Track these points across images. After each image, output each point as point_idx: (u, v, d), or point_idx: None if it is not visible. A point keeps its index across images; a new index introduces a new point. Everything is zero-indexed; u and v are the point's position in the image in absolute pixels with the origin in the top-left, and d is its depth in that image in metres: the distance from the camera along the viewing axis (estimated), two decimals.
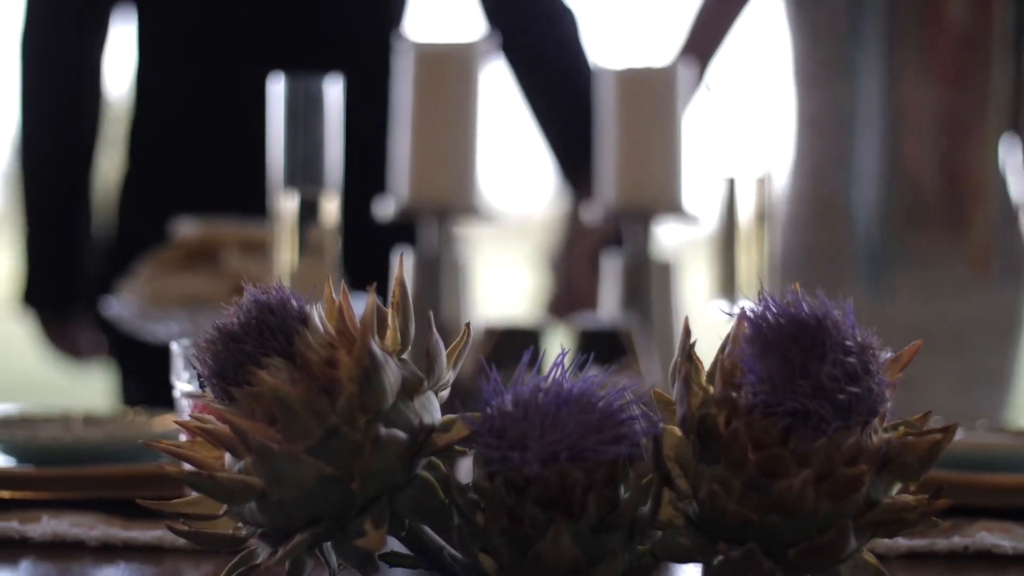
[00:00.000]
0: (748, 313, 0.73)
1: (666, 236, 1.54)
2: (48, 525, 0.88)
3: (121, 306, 1.49)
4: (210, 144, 2.04)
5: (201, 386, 0.76)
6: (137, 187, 2.08)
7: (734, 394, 0.72)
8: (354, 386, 0.71)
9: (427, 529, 0.75)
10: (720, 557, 0.72)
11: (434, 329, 0.75)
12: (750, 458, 0.71)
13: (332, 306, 0.76)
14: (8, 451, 1.08)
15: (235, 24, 2.07)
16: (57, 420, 1.17)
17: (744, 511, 0.71)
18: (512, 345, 1.34)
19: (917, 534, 0.89)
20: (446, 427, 0.74)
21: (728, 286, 1.26)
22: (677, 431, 0.75)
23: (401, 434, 0.71)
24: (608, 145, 1.54)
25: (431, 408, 0.74)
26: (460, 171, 1.49)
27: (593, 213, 1.56)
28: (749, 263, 1.26)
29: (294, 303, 0.74)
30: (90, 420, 1.17)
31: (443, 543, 0.75)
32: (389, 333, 0.76)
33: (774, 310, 0.72)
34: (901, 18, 2.02)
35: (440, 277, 1.48)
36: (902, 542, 0.88)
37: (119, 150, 2.14)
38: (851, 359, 0.72)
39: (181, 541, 0.88)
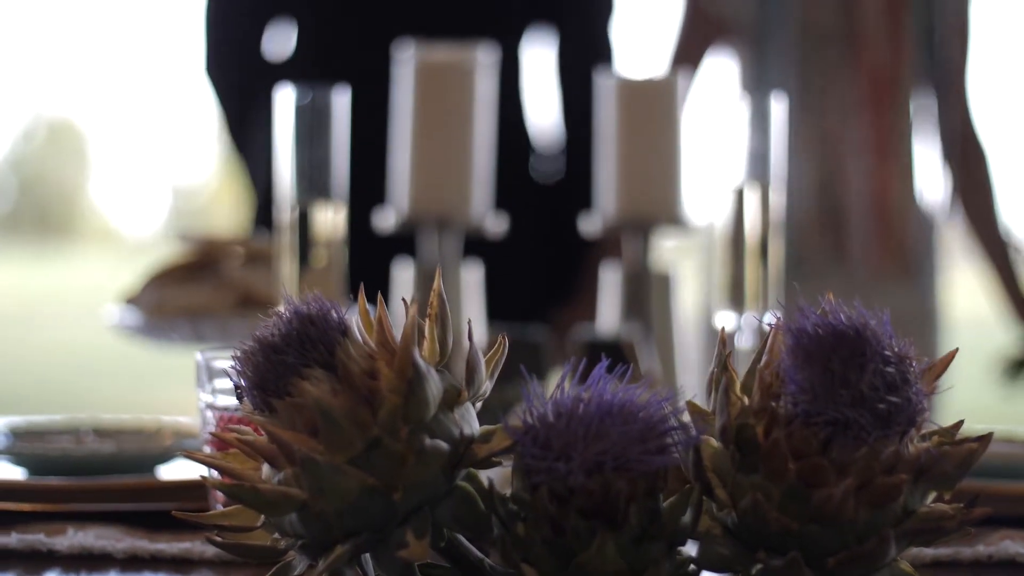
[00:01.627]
0: (788, 324, 0.73)
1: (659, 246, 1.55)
2: (75, 538, 0.88)
3: (125, 317, 1.49)
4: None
5: (239, 397, 0.76)
6: None
7: (774, 404, 0.73)
8: (396, 397, 0.71)
9: (464, 540, 0.75)
10: (759, 566, 0.73)
11: (472, 340, 0.75)
12: (790, 468, 0.72)
13: (366, 317, 0.76)
14: (21, 463, 1.07)
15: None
16: (67, 431, 1.16)
17: (786, 520, 0.71)
18: (517, 356, 1.34)
19: (942, 542, 0.89)
20: (486, 437, 0.74)
21: (736, 297, 1.26)
22: (713, 442, 0.75)
23: (444, 445, 0.71)
24: (608, 155, 1.55)
25: (470, 419, 0.75)
26: (460, 181, 1.49)
27: (592, 224, 1.56)
28: (755, 274, 1.27)
29: (334, 314, 0.74)
30: (100, 431, 1.17)
31: (480, 554, 0.75)
32: (427, 344, 0.76)
33: (813, 320, 0.73)
34: (830, 60, 2.28)
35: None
36: (927, 551, 0.89)
37: None
38: (890, 369, 0.72)
39: (209, 553, 0.87)
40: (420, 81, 1.49)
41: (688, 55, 2.27)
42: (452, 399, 0.74)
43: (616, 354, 1.38)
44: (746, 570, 0.73)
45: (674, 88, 1.53)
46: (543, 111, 2.37)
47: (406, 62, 1.50)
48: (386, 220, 1.51)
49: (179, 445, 1.09)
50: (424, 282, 1.48)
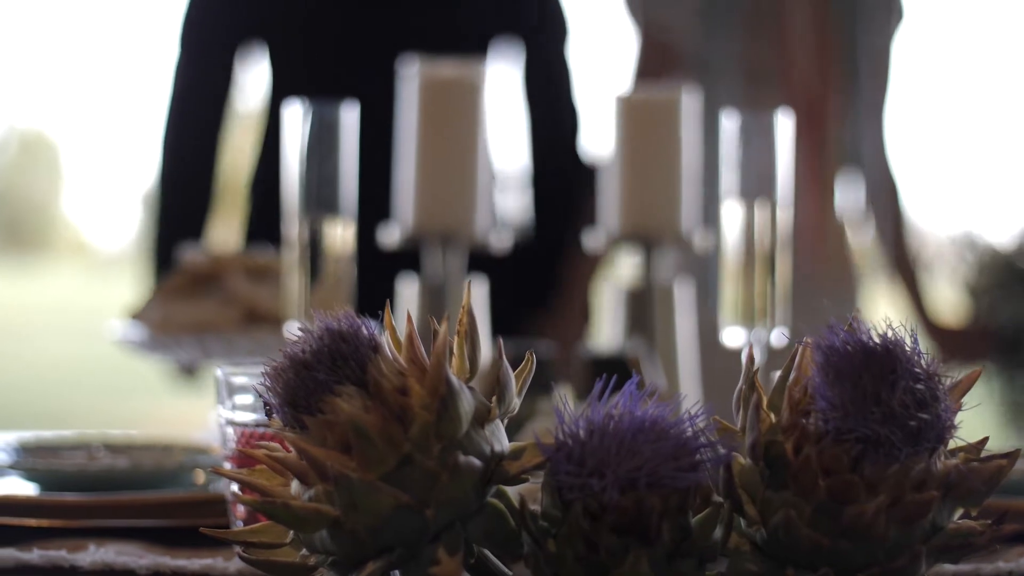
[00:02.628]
0: (818, 341, 0.73)
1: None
2: (96, 554, 0.88)
3: (130, 333, 1.49)
4: None
5: (267, 414, 0.76)
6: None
7: (804, 421, 0.73)
8: (427, 414, 0.71)
9: (492, 556, 0.75)
10: None
11: (503, 357, 0.75)
12: (820, 484, 0.72)
13: (394, 334, 0.76)
14: (33, 478, 1.07)
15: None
16: (78, 446, 1.16)
17: (817, 536, 0.71)
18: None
19: (964, 559, 0.89)
20: (516, 454, 0.74)
21: (746, 313, 1.27)
22: (741, 458, 0.75)
23: (477, 462, 0.72)
24: (611, 171, 1.55)
25: (500, 436, 0.75)
26: (464, 197, 1.49)
27: (596, 240, 1.57)
28: (763, 289, 1.27)
29: (365, 331, 0.74)
30: (111, 446, 1.16)
31: (508, 571, 0.75)
32: (456, 361, 0.76)
33: (843, 338, 0.73)
34: (766, 95, 2.38)
35: (445, 304, 1.48)
36: (948, 567, 0.89)
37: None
38: (920, 386, 0.72)
39: (231, 569, 0.87)
40: (424, 97, 1.49)
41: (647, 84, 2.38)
42: (482, 416, 0.74)
43: (621, 369, 1.38)
44: None
45: (677, 105, 1.53)
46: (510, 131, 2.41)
47: (411, 78, 1.51)
48: (390, 236, 1.51)
49: (193, 461, 1.09)
50: (428, 298, 1.48)
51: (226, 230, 2.55)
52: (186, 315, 1.44)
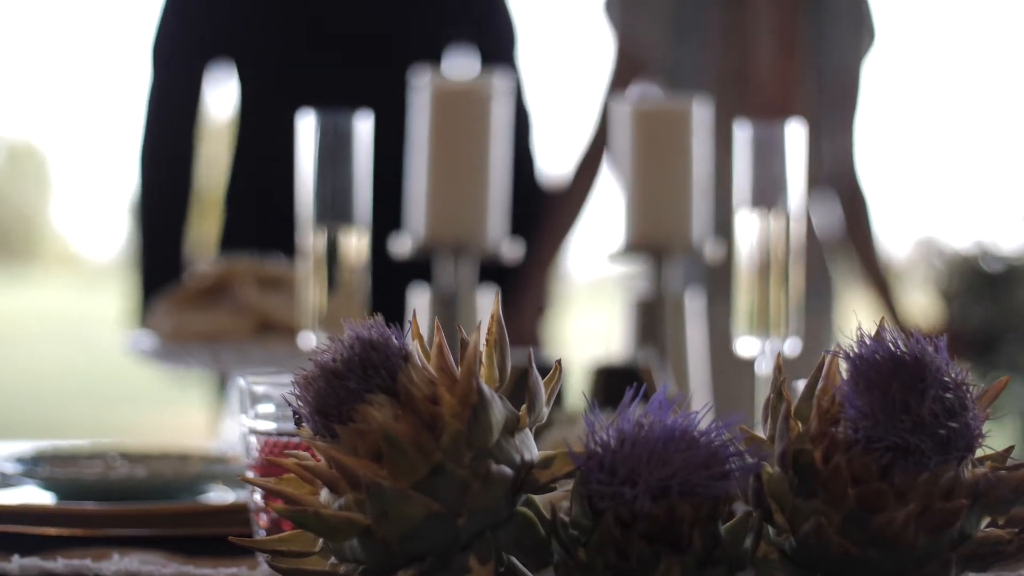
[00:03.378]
0: (847, 351, 0.74)
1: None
2: (121, 563, 0.88)
3: (141, 342, 1.49)
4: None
5: (297, 423, 0.76)
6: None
7: (833, 429, 0.73)
8: (458, 423, 0.72)
9: (520, 565, 0.75)
10: None
11: (534, 366, 0.75)
12: (850, 493, 0.72)
13: (422, 343, 0.76)
14: (50, 487, 1.07)
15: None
16: (95, 455, 1.16)
17: (848, 544, 0.72)
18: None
19: (991, 567, 0.89)
20: (546, 463, 0.74)
21: (761, 322, 1.27)
22: (768, 467, 0.76)
23: (508, 470, 0.72)
24: (622, 182, 1.55)
25: (529, 444, 0.75)
26: (476, 207, 1.49)
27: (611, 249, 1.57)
28: (778, 299, 1.27)
29: (395, 340, 0.74)
30: (127, 455, 1.16)
31: None
32: (485, 370, 0.76)
33: (872, 347, 0.73)
34: (731, 101, 2.42)
35: (457, 315, 1.48)
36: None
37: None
38: (949, 395, 0.73)
39: None
40: (436, 107, 1.49)
41: (618, 90, 2.51)
42: (512, 425, 0.74)
43: (633, 379, 1.38)
44: None
45: (688, 116, 1.53)
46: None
47: (422, 88, 1.51)
48: (402, 246, 1.51)
49: (210, 470, 1.09)
50: (440, 308, 1.48)
51: (203, 238, 2.58)
52: (198, 324, 1.44)
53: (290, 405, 0.76)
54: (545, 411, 0.76)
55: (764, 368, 1.29)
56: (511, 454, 0.73)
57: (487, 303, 1.51)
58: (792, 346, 1.30)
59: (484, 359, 0.76)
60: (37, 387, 9.14)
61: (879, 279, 2.63)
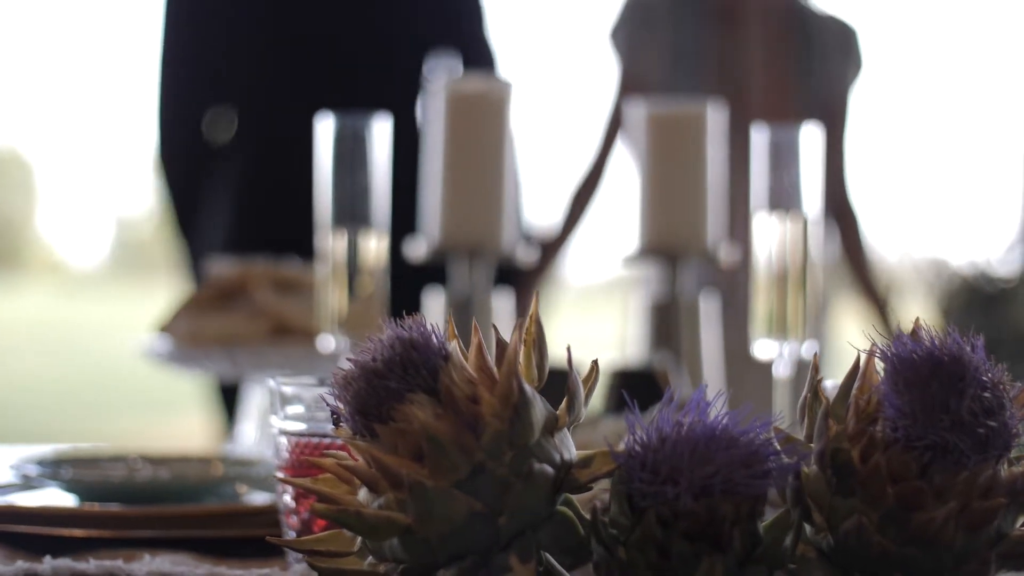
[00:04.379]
0: (886, 350, 0.74)
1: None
2: (153, 564, 0.88)
3: (158, 345, 1.49)
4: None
5: (335, 422, 0.76)
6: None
7: (872, 428, 0.74)
8: (498, 422, 0.72)
9: (557, 564, 0.75)
10: None
11: (573, 365, 0.75)
12: (888, 492, 0.72)
13: (459, 343, 0.76)
14: (72, 489, 1.07)
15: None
16: (116, 458, 1.16)
17: (888, 543, 0.72)
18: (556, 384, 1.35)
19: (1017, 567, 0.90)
20: (585, 462, 0.74)
21: (779, 326, 1.27)
22: (805, 466, 0.76)
23: (550, 469, 0.72)
24: (636, 185, 1.56)
25: (568, 444, 0.75)
26: (491, 211, 1.49)
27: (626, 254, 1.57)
28: (797, 303, 1.28)
29: (435, 339, 0.74)
30: (148, 458, 1.16)
31: None
32: (523, 369, 0.76)
33: (910, 347, 0.74)
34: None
35: (472, 317, 1.48)
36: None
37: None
38: (987, 394, 0.73)
39: None
40: (451, 112, 1.50)
41: (619, 116, 2.65)
42: (552, 424, 0.74)
43: (649, 382, 1.39)
44: None
45: (703, 120, 1.54)
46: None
47: (437, 93, 1.51)
48: (417, 249, 1.52)
49: (236, 473, 1.09)
50: (456, 311, 1.49)
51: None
52: (214, 328, 1.44)
53: (328, 405, 0.76)
54: (584, 410, 0.76)
55: (782, 371, 1.30)
56: (551, 453, 0.73)
57: (502, 306, 1.52)
58: (810, 349, 1.31)
59: (522, 358, 0.76)
60: (25, 394, 9.13)
61: (874, 295, 2.75)
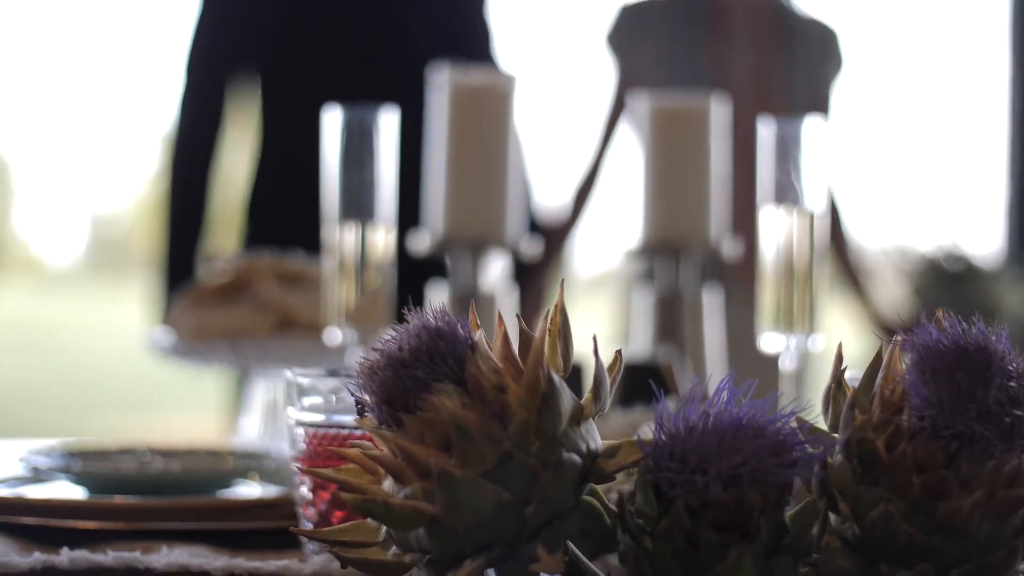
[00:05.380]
0: (912, 340, 0.74)
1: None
2: (171, 555, 0.88)
3: (162, 339, 1.48)
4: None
5: (359, 412, 0.76)
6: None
7: (899, 418, 0.74)
8: (525, 412, 0.72)
9: (581, 555, 0.75)
10: None
11: (599, 355, 0.75)
12: (914, 481, 0.72)
13: (477, 329, 0.76)
14: (81, 482, 1.07)
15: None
16: (124, 451, 1.16)
17: (914, 531, 0.72)
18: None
19: None
20: (611, 452, 0.74)
21: (786, 319, 1.27)
22: (829, 456, 0.76)
23: (577, 459, 0.72)
24: (640, 180, 1.56)
25: (593, 434, 0.75)
26: (495, 204, 1.49)
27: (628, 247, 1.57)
28: (803, 296, 1.28)
29: (461, 329, 0.74)
30: (157, 451, 1.16)
31: (596, 570, 0.75)
32: (548, 359, 0.76)
33: (936, 336, 0.74)
34: None
35: (476, 310, 1.48)
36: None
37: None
38: (1013, 383, 0.73)
39: (307, 571, 0.87)
40: (455, 105, 1.50)
41: (617, 114, 2.80)
42: (578, 414, 0.74)
43: (655, 377, 1.39)
44: None
45: (706, 114, 1.54)
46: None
47: (441, 86, 1.51)
48: (420, 243, 1.51)
49: (245, 465, 1.09)
50: (459, 304, 1.48)
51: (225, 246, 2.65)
52: (218, 321, 1.43)
53: (352, 395, 0.75)
54: (609, 401, 0.76)
55: (788, 364, 1.30)
56: (578, 443, 0.73)
57: (505, 300, 1.51)
58: (816, 342, 1.31)
59: (548, 348, 0.76)
60: (6, 392, 9.09)
61: (854, 282, 2.89)
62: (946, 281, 3.62)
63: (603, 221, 2.91)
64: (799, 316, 1.28)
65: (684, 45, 2.80)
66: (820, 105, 2.82)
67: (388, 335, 0.75)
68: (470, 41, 2.57)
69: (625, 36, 2.83)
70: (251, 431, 1.49)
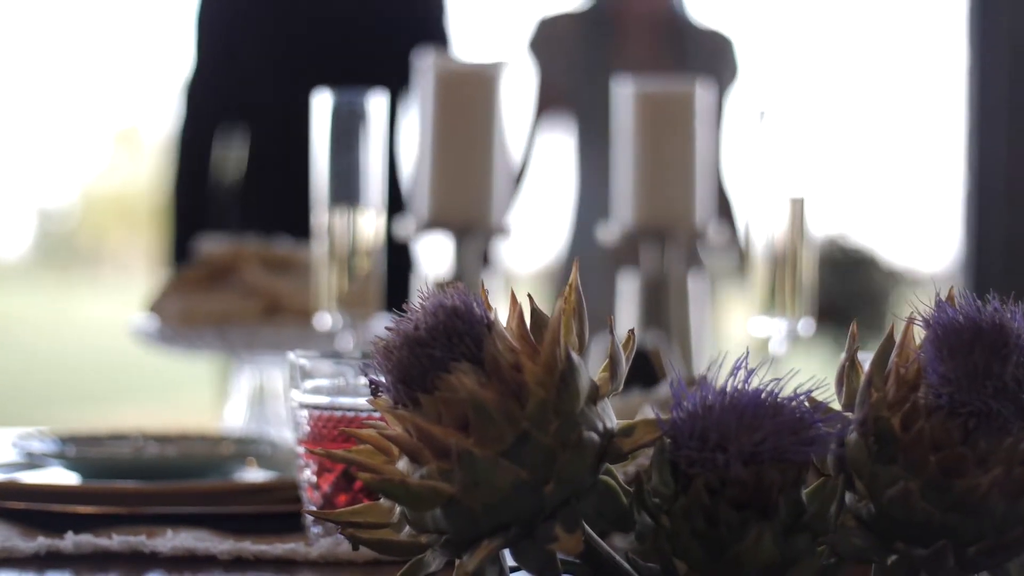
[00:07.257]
0: (928, 317, 0.74)
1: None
2: (176, 539, 0.87)
3: (148, 325, 1.47)
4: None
5: (374, 392, 0.75)
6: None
7: (915, 396, 0.74)
8: (542, 391, 0.71)
9: (595, 535, 0.75)
10: (894, 556, 0.74)
11: (615, 334, 0.75)
12: (931, 459, 0.72)
13: (491, 309, 0.76)
14: (73, 467, 1.06)
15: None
16: (117, 437, 1.15)
17: (932, 509, 0.72)
18: None
19: None
20: (627, 431, 0.74)
21: (778, 304, 1.27)
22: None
23: (596, 438, 0.72)
24: (625, 164, 1.56)
25: (609, 413, 0.75)
26: (481, 190, 1.49)
27: (610, 233, 1.57)
28: (795, 282, 1.28)
29: (477, 308, 0.73)
30: (150, 436, 1.15)
31: (610, 549, 0.75)
32: (563, 338, 0.76)
33: (952, 314, 0.74)
34: None
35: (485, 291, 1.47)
36: None
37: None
38: None
39: (313, 554, 0.87)
40: (441, 90, 1.49)
41: (538, 118, 3.11)
42: (594, 393, 0.74)
43: (643, 361, 1.38)
44: (882, 560, 0.74)
45: (691, 99, 1.54)
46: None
47: (426, 71, 1.50)
48: (406, 228, 1.51)
49: (244, 450, 1.08)
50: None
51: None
52: (205, 307, 1.42)
53: (366, 375, 0.75)
54: (623, 379, 0.76)
55: (777, 347, 1.30)
56: (595, 422, 0.73)
57: (492, 285, 1.51)
58: (805, 326, 1.31)
59: (563, 327, 0.76)
60: None
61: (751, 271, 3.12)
62: (836, 271, 3.96)
63: (532, 220, 3.06)
64: (789, 301, 1.28)
65: (591, 54, 3.07)
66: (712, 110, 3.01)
67: (404, 314, 0.74)
68: (425, 17, 2.67)
69: (542, 45, 3.12)
70: (236, 417, 1.48)
